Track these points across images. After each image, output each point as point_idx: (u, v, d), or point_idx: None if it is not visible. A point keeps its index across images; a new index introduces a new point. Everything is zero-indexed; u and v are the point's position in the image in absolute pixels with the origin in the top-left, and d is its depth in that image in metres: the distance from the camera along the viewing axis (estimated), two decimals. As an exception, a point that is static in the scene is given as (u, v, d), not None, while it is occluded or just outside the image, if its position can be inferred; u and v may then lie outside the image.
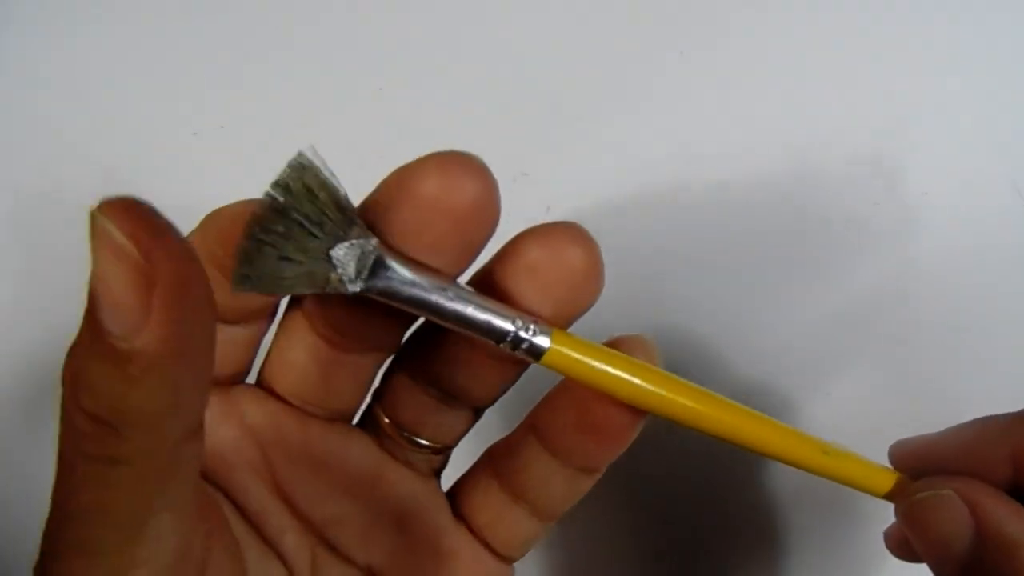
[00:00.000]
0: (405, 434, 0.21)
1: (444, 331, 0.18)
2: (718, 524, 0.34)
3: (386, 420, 0.21)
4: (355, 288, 0.17)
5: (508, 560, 0.22)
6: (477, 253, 0.18)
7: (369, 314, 0.19)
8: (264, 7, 0.35)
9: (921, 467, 0.22)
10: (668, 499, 0.34)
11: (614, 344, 0.19)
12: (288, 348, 0.20)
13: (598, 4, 0.36)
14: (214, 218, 0.18)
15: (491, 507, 0.22)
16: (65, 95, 0.36)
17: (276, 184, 0.17)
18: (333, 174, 0.17)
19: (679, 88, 0.36)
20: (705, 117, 0.35)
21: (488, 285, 0.19)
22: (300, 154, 0.17)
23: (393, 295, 0.18)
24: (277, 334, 0.21)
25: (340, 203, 0.17)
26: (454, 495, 0.23)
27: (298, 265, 0.17)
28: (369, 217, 0.18)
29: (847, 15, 0.36)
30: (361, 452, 0.21)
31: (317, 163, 0.17)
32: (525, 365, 0.20)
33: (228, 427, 0.20)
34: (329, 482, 0.21)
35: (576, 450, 0.20)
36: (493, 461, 0.22)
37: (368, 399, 0.22)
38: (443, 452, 0.22)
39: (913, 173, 0.35)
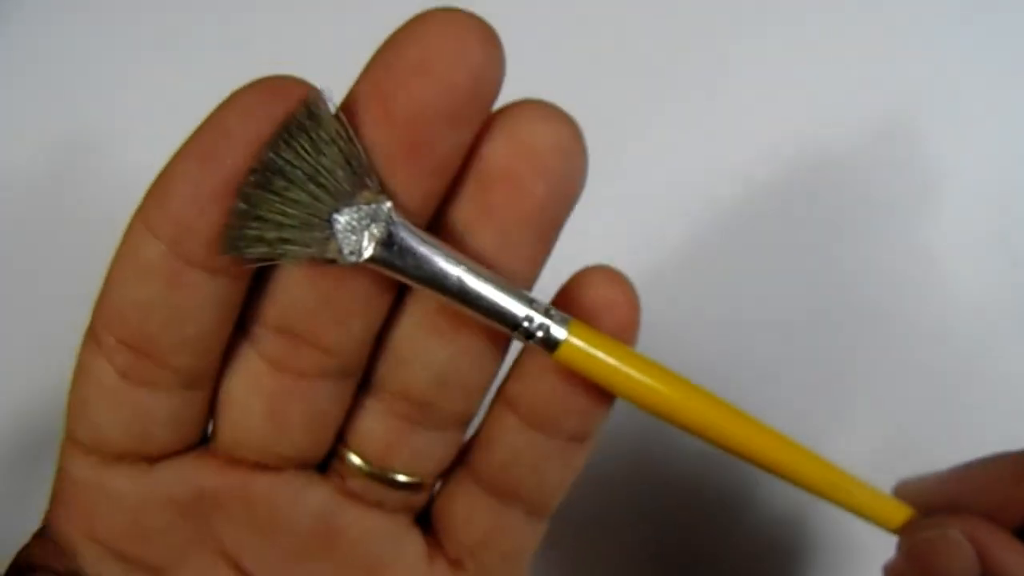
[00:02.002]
0: (374, 470, 0.18)
1: (417, 331, 0.17)
2: (718, 536, 0.33)
3: (349, 454, 0.18)
4: (359, 259, 0.15)
5: None
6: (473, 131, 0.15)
7: (336, 305, 0.16)
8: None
9: (928, 506, 0.21)
10: (668, 506, 0.33)
11: (581, 277, 0.17)
12: (229, 384, 0.17)
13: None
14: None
15: (481, 520, 0.19)
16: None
17: (278, 135, 0.15)
18: (346, 124, 0.15)
19: (690, 73, 0.35)
20: (720, 107, 0.35)
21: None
22: (308, 100, 0.15)
23: (404, 270, 0.16)
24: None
25: (351, 159, 0.15)
26: (432, 522, 0.20)
27: (296, 231, 0.15)
28: (356, 101, 0.15)
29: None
30: (316, 504, 0.18)
31: (326, 112, 0.15)
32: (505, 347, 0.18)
33: (158, 511, 0.18)
34: (281, 546, 0.18)
35: (565, 413, 0.18)
36: (469, 464, 0.19)
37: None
38: (422, 489, 0.19)
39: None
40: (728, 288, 0.34)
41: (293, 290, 0.16)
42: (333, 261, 0.15)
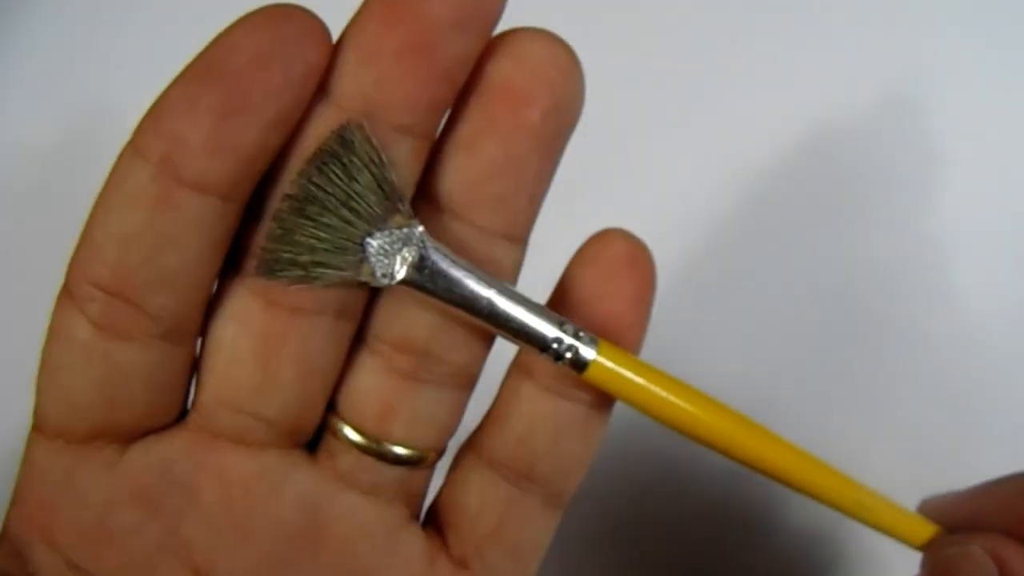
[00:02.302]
0: (369, 442, 0.17)
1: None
2: (740, 552, 0.33)
3: (341, 426, 0.17)
4: (392, 281, 0.16)
5: None
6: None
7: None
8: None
9: (952, 523, 0.21)
10: (690, 521, 0.33)
11: (592, 246, 0.17)
12: (217, 329, 0.16)
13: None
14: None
15: (494, 507, 0.18)
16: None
17: (312, 161, 0.15)
18: (379, 149, 0.15)
19: (690, 65, 0.35)
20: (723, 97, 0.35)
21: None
22: (343, 127, 0.15)
23: (436, 292, 0.16)
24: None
25: (383, 185, 0.15)
26: (437, 516, 0.19)
27: (330, 254, 0.16)
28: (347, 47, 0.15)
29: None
30: (301, 492, 0.17)
31: (360, 138, 0.15)
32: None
33: (126, 506, 0.16)
34: (259, 549, 0.17)
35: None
36: (481, 446, 0.18)
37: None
38: (422, 466, 0.18)
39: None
40: (731, 287, 0.34)
41: None
42: (366, 283, 0.16)
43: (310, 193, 0.15)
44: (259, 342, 0.16)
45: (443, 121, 0.16)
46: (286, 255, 0.16)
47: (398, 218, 0.16)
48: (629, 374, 0.17)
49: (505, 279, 0.17)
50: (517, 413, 0.18)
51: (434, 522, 0.19)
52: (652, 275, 0.17)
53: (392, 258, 0.16)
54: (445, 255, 0.16)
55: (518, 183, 0.16)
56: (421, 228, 0.16)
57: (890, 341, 0.33)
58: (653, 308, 0.17)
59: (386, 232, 0.16)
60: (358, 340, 0.17)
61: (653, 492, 0.32)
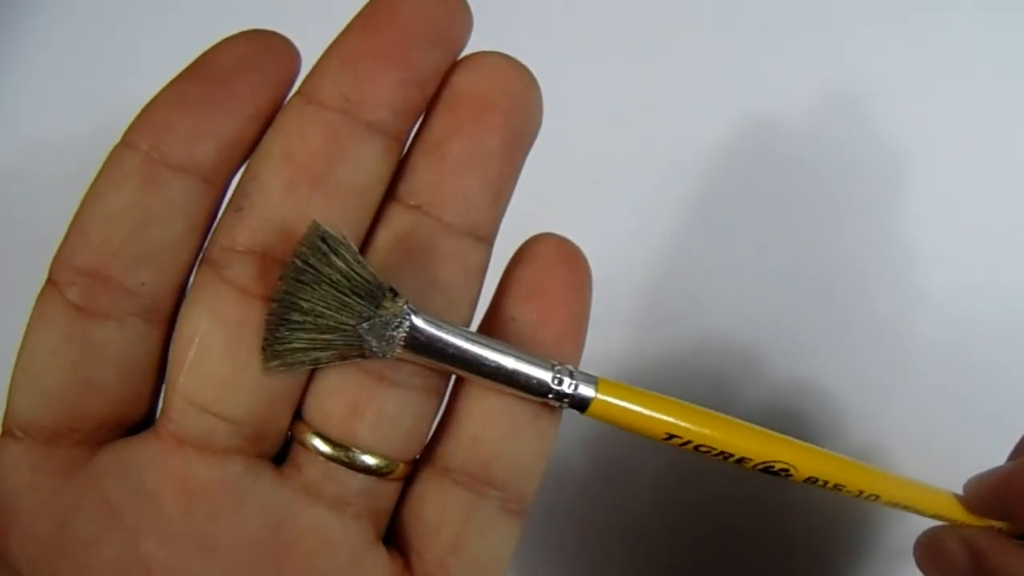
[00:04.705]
0: (336, 451, 0.17)
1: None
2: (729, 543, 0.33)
3: (308, 434, 0.17)
4: (391, 355, 0.17)
5: None
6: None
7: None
8: None
9: (1005, 503, 0.21)
10: (675, 513, 0.33)
11: (528, 247, 0.18)
12: (190, 314, 0.16)
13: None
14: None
15: (453, 518, 0.18)
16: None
17: (290, 271, 0.16)
18: (346, 241, 0.16)
19: (664, 52, 0.35)
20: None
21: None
22: (310, 231, 0.16)
23: (435, 358, 0.17)
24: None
25: (361, 276, 0.16)
26: (399, 534, 0.18)
27: (329, 346, 0.16)
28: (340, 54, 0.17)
29: None
30: (266, 503, 0.17)
31: (326, 240, 0.16)
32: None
33: (89, 514, 0.16)
34: (221, 567, 0.17)
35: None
36: (437, 456, 0.18)
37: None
38: (390, 477, 0.17)
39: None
40: (707, 280, 0.34)
41: (270, 211, 0.16)
42: (368, 357, 0.17)
43: (299, 301, 0.16)
44: (230, 334, 0.16)
45: (414, 130, 0.18)
46: (289, 356, 0.16)
47: (385, 303, 0.16)
48: (630, 405, 0.17)
49: (471, 278, 0.18)
50: (467, 415, 0.18)
51: (396, 542, 0.18)
52: (586, 271, 0.18)
53: (386, 339, 0.16)
54: (438, 324, 0.17)
55: (483, 181, 0.17)
56: (404, 303, 0.16)
57: (866, 337, 0.34)
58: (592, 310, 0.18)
59: (377, 318, 0.16)
60: None
61: (655, 491, 0.32)
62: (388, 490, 0.18)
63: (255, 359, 0.16)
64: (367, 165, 0.17)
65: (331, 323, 0.16)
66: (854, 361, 0.33)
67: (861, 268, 0.34)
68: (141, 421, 0.17)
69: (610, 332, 0.32)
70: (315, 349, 0.16)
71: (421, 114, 0.17)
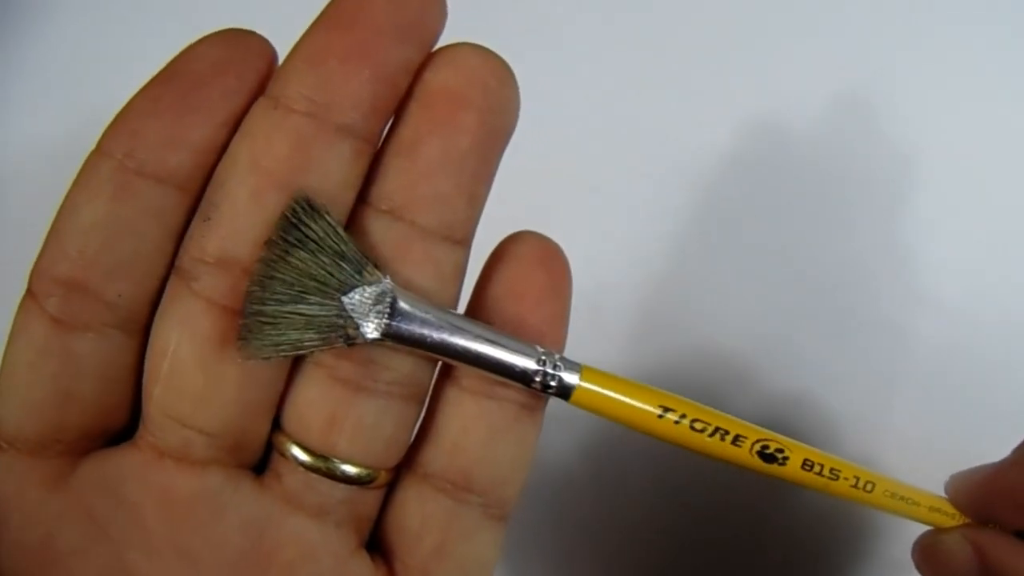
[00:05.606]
0: (316, 461, 0.17)
1: None
2: (727, 543, 0.33)
3: (287, 444, 0.17)
4: (374, 335, 0.16)
5: None
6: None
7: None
8: None
9: (987, 503, 0.21)
10: (672, 512, 0.33)
11: (506, 246, 0.18)
12: (162, 328, 0.16)
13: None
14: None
15: (435, 524, 0.17)
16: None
17: (273, 242, 0.16)
18: (330, 213, 0.16)
19: (668, 54, 0.35)
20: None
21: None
22: (293, 202, 0.16)
23: (414, 341, 0.17)
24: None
25: (344, 249, 0.16)
26: (382, 542, 0.18)
27: (311, 323, 0.16)
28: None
29: None
30: (246, 514, 0.17)
31: (310, 210, 0.16)
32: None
33: (73, 525, 0.16)
34: (197, 575, 0.16)
35: None
36: (417, 462, 0.18)
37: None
38: (371, 486, 0.17)
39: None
40: (704, 288, 0.34)
41: (238, 220, 0.16)
42: (352, 342, 0.16)
43: (278, 274, 0.16)
44: (201, 346, 0.16)
45: (386, 130, 0.17)
46: (269, 339, 0.16)
47: (366, 276, 0.16)
48: (614, 394, 0.17)
49: (448, 282, 0.17)
50: (446, 420, 0.18)
51: (379, 549, 0.18)
52: (565, 270, 0.18)
53: (368, 316, 0.16)
54: (420, 305, 0.16)
55: (457, 182, 0.16)
56: (388, 281, 0.16)
57: (865, 344, 0.33)
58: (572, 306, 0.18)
59: (357, 293, 0.16)
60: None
61: (653, 491, 0.32)
62: (370, 498, 0.18)
63: (228, 371, 0.16)
64: (336, 170, 0.16)
65: (313, 294, 0.16)
66: (853, 369, 0.33)
67: (860, 275, 0.34)
68: (124, 429, 0.17)
69: (604, 339, 0.32)
70: (295, 329, 0.16)
71: (393, 112, 0.17)
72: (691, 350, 0.33)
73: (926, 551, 0.21)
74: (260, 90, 0.16)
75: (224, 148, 0.16)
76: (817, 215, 0.34)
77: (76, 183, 0.16)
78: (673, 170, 0.34)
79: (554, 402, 0.18)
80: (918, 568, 0.22)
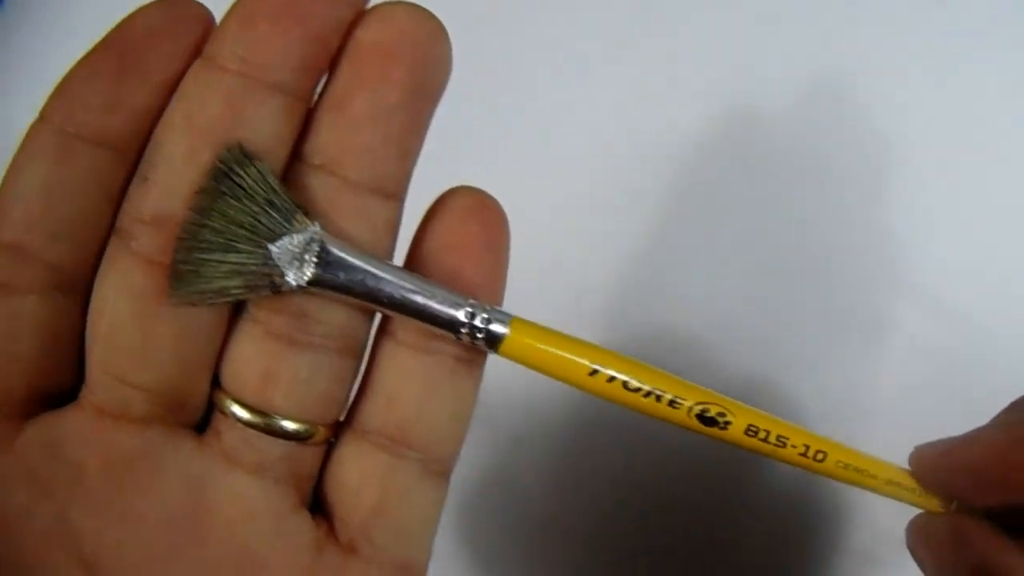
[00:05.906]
0: (253, 416, 0.17)
1: None
2: (713, 530, 0.32)
3: (225, 400, 0.17)
4: (299, 284, 0.16)
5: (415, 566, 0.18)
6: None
7: None
8: None
9: (946, 477, 0.20)
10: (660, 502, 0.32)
11: (441, 201, 0.18)
12: (102, 288, 0.17)
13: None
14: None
15: (373, 481, 0.17)
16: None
17: (204, 190, 0.16)
18: (262, 162, 0.16)
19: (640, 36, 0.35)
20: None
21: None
22: (226, 151, 0.16)
23: (342, 288, 0.16)
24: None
25: (274, 197, 0.16)
26: (322, 500, 0.18)
27: (238, 269, 0.16)
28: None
29: None
30: (185, 470, 0.17)
31: (242, 158, 0.16)
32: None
33: (18, 486, 0.16)
34: (144, 539, 0.17)
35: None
36: (355, 418, 0.18)
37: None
38: (310, 442, 0.17)
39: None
40: (684, 276, 0.34)
41: (174, 179, 0.16)
42: (278, 290, 0.16)
43: (209, 222, 0.16)
44: (138, 303, 0.16)
45: (320, 87, 0.17)
46: (198, 286, 0.16)
47: (295, 224, 0.16)
48: (543, 346, 0.17)
49: (380, 235, 0.17)
50: (382, 375, 0.18)
51: (320, 507, 0.18)
52: (501, 222, 0.17)
53: (295, 263, 0.16)
54: (347, 250, 0.16)
55: (386, 135, 0.17)
56: (318, 228, 0.16)
57: (846, 334, 0.33)
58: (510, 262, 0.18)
59: (286, 241, 0.16)
60: (239, 309, 0.17)
61: (645, 481, 0.31)
62: (309, 455, 0.18)
63: (165, 326, 0.16)
64: (268, 127, 0.16)
65: (242, 242, 0.16)
66: (829, 355, 0.32)
67: (840, 263, 0.33)
68: (70, 392, 0.17)
69: (586, 327, 0.32)
70: (222, 276, 0.16)
71: (325, 70, 0.17)
72: (672, 337, 0.32)
73: (919, 532, 0.20)
74: (197, 53, 0.17)
75: (162, 111, 0.17)
76: (796, 202, 0.34)
77: (20, 149, 0.17)
78: (652, 156, 0.34)
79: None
80: (911, 549, 0.21)
